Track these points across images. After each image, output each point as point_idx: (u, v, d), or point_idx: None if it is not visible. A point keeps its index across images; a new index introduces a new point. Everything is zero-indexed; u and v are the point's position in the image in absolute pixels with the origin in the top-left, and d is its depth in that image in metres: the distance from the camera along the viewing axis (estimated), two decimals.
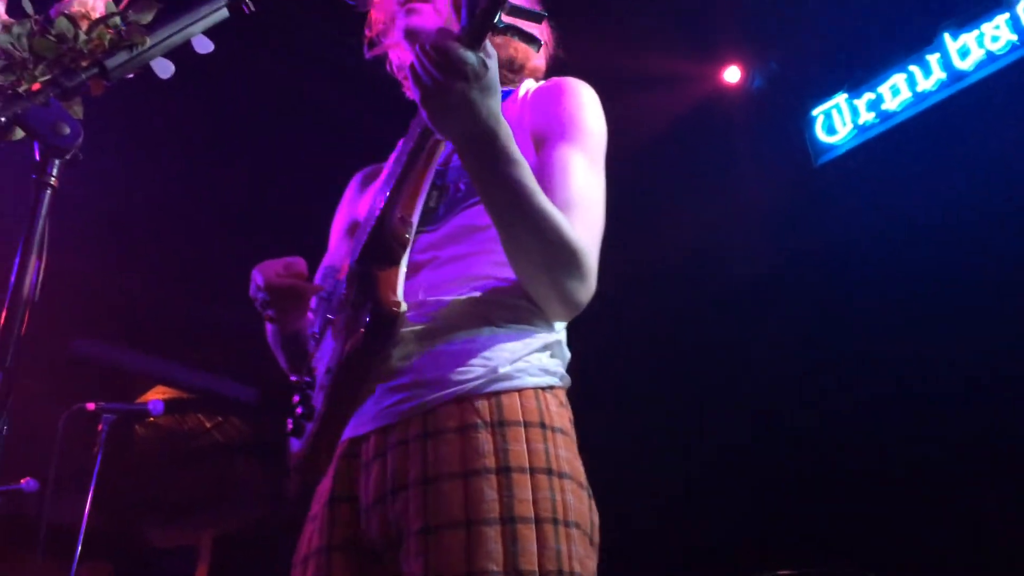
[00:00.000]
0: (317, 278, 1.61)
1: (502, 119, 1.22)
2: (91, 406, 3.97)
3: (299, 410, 1.41)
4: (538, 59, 1.70)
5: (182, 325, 6.54)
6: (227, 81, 4.53)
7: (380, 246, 1.31)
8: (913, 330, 4.46)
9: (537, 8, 1.38)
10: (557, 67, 1.72)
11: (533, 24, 1.26)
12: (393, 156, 1.56)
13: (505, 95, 1.59)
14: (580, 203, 1.36)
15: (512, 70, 1.65)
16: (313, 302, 1.56)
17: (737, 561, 4.55)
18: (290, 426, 1.45)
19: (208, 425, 7.84)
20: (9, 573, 6.45)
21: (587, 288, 1.33)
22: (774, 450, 4.87)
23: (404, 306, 1.28)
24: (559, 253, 1.27)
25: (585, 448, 1.34)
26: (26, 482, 4.15)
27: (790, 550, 4.41)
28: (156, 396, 6.89)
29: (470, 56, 1.16)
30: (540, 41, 1.25)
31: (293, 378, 1.52)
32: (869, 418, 4.55)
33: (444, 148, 1.41)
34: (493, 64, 1.19)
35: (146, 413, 4.26)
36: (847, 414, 4.64)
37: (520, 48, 1.64)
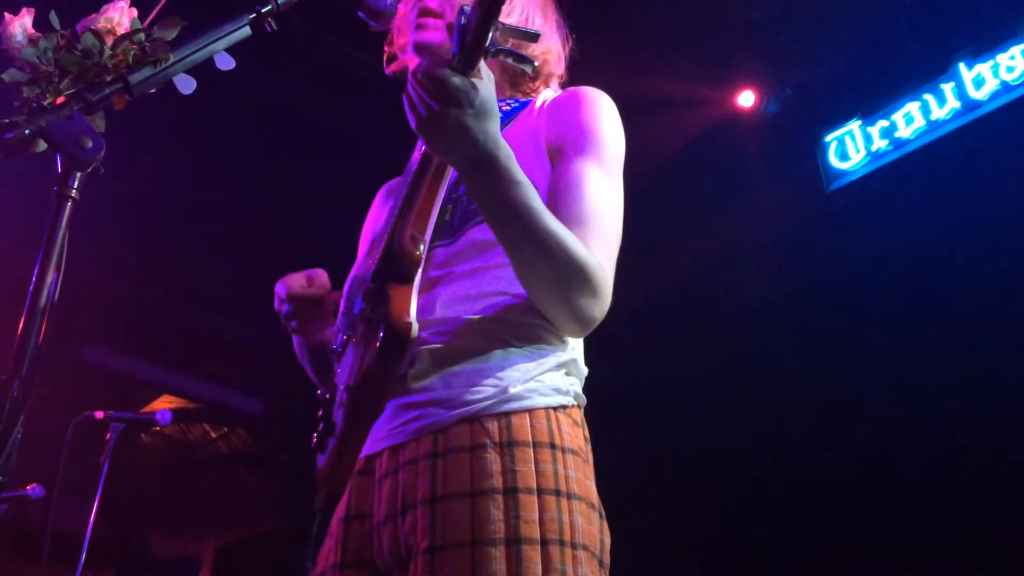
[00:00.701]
0: (345, 289, 1.61)
1: (501, 142, 1.20)
2: (100, 414, 3.97)
3: (321, 426, 1.42)
4: (556, 65, 1.69)
5: (191, 336, 6.56)
6: (246, 96, 4.57)
7: (391, 265, 1.31)
8: (926, 356, 4.45)
9: (532, 27, 1.37)
10: (576, 79, 1.70)
11: (529, 43, 1.26)
12: (409, 166, 1.56)
13: (522, 106, 1.60)
14: (593, 218, 1.34)
15: (528, 78, 1.64)
16: (338, 319, 1.56)
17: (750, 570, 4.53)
18: (314, 441, 1.46)
19: (214, 435, 7.85)
20: None
21: (600, 304, 1.32)
22: (784, 473, 4.85)
23: (415, 326, 1.27)
24: (568, 271, 1.26)
25: (598, 469, 1.34)
26: (32, 488, 4.15)
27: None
28: (163, 405, 6.88)
29: (462, 82, 1.14)
30: (533, 62, 1.25)
31: (319, 393, 1.53)
32: (883, 444, 4.52)
33: None
34: (487, 87, 1.17)
35: (154, 423, 4.26)
36: (860, 439, 4.62)
37: (533, 55, 1.64)
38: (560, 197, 1.36)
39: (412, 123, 1.20)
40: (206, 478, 8.09)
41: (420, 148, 1.38)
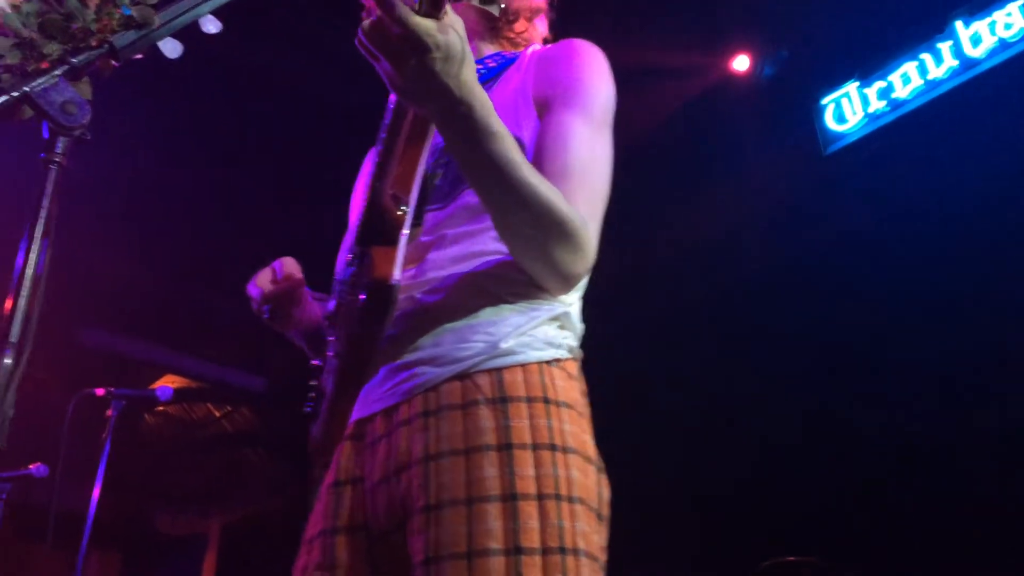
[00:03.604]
0: (339, 260, 1.60)
1: (476, 89, 1.15)
2: (100, 391, 3.98)
3: (313, 394, 1.42)
4: (540, 23, 1.66)
5: (192, 315, 6.57)
6: (239, 69, 4.54)
7: (373, 226, 1.27)
8: (924, 319, 4.44)
9: None
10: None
11: None
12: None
13: (508, 62, 1.57)
14: (577, 171, 1.31)
15: (506, 22, 1.60)
16: (332, 287, 1.55)
17: (744, 547, 4.55)
18: (308, 410, 1.45)
19: (217, 414, 7.88)
20: (18, 559, 6.49)
21: (583, 260, 1.29)
22: (781, 441, 4.86)
23: (397, 279, 1.22)
24: (546, 226, 1.23)
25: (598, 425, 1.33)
26: (36, 467, 4.17)
27: (784, 541, 4.41)
28: (166, 385, 6.91)
29: (429, 25, 1.07)
30: (500, 2, 1.21)
31: (313, 362, 1.52)
32: (880, 408, 4.53)
33: None
34: (457, 32, 1.11)
35: (155, 399, 4.27)
36: (858, 404, 4.63)
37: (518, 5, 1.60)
38: (545, 150, 1.33)
39: (378, 69, 1.15)
40: (210, 457, 8.12)
41: (391, 102, 1.32)
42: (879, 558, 4.27)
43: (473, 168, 1.22)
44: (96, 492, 3.84)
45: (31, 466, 4.18)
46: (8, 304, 1.02)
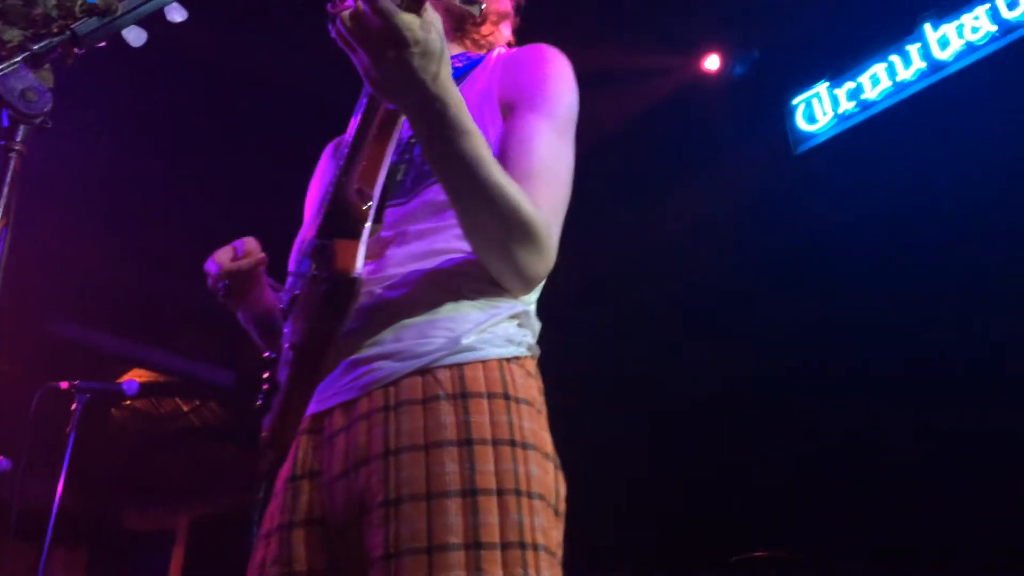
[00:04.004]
0: (293, 253, 1.59)
1: (451, 87, 1.16)
2: (64, 385, 3.94)
3: (266, 386, 1.41)
4: (505, 27, 1.67)
5: (161, 308, 6.50)
6: (208, 58, 4.49)
7: (337, 219, 1.27)
8: (893, 319, 4.50)
9: None
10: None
11: None
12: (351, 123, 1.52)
13: (474, 63, 1.57)
14: (541, 174, 1.32)
15: (474, 24, 1.61)
16: (287, 281, 1.54)
17: (713, 542, 4.59)
18: (260, 402, 1.44)
19: (185, 408, 7.82)
20: None
21: (544, 261, 1.31)
22: (750, 437, 4.90)
23: (359, 272, 1.23)
24: (512, 226, 1.24)
25: (555, 425, 1.34)
26: None
27: (769, 534, 4.45)
28: (133, 378, 6.85)
29: (411, 20, 1.08)
30: (480, 3, 1.22)
31: (265, 354, 1.51)
32: (851, 403, 4.57)
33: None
34: (435, 28, 1.12)
35: (121, 393, 4.23)
36: (828, 400, 4.67)
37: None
38: (510, 152, 1.34)
39: (355, 61, 1.15)
40: (178, 452, 8.05)
41: (364, 97, 1.33)
42: (850, 552, 4.31)
43: (443, 165, 1.22)
44: (60, 486, 3.80)
45: None
46: None
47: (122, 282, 6.07)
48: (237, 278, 1.53)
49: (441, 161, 1.22)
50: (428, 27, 1.10)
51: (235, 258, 1.55)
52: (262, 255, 1.57)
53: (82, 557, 8.73)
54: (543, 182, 1.32)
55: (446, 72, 1.15)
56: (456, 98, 1.17)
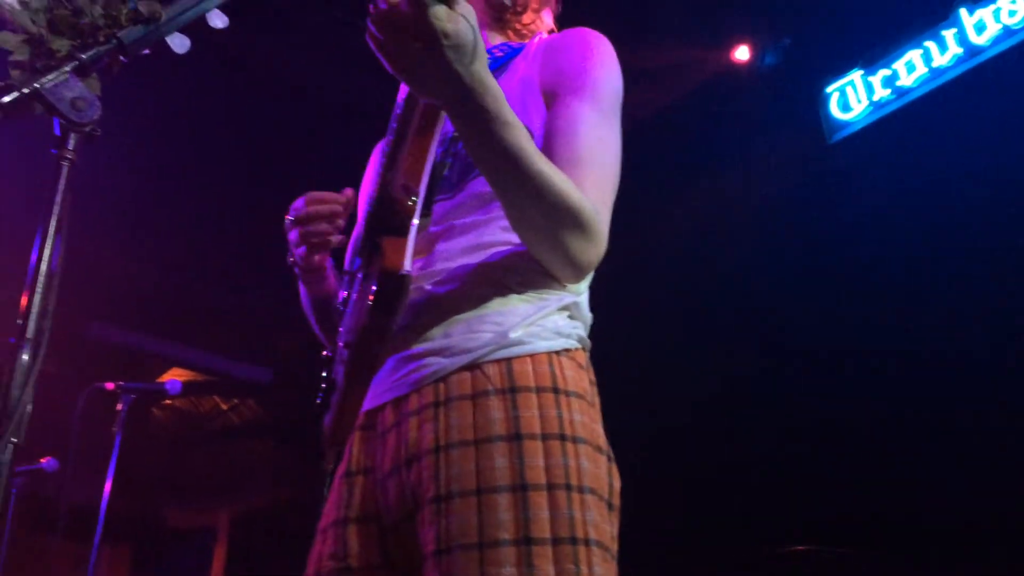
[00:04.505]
0: (347, 252, 1.59)
1: (488, 80, 1.14)
2: (110, 386, 4.00)
3: (324, 385, 1.42)
4: (546, 15, 1.67)
5: (198, 308, 6.58)
6: (246, 64, 4.53)
7: (384, 216, 1.28)
8: (932, 306, 4.44)
9: None
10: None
11: None
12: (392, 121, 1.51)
13: (515, 52, 1.57)
14: (588, 160, 1.31)
15: (513, 13, 1.60)
16: (343, 280, 1.54)
17: (753, 535, 4.57)
18: (319, 401, 1.46)
19: (224, 407, 7.90)
20: (31, 551, 6.53)
21: (595, 248, 1.29)
22: (790, 430, 4.86)
23: (407, 270, 1.22)
24: (561, 215, 1.23)
25: (607, 414, 1.34)
26: (47, 461, 4.20)
27: (807, 526, 4.42)
28: (173, 378, 6.93)
29: (443, 12, 1.07)
30: None
31: (323, 353, 1.52)
32: (887, 396, 4.53)
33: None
34: (468, 20, 1.10)
35: (164, 393, 4.30)
36: (864, 394, 4.63)
37: None
38: (555, 139, 1.34)
39: (387, 64, 1.14)
40: (219, 449, 8.15)
41: (402, 93, 1.32)
42: (891, 545, 4.27)
43: (485, 159, 1.22)
44: (108, 485, 3.86)
45: (42, 460, 4.21)
46: (24, 301, 1.04)
47: (161, 284, 6.15)
48: (313, 216, 1.46)
49: (483, 155, 1.22)
50: (457, 19, 1.09)
51: (318, 200, 1.47)
52: (349, 201, 1.48)
53: (126, 554, 8.87)
54: (590, 168, 1.30)
55: (481, 65, 1.13)
56: (494, 90, 1.15)
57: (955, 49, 4.74)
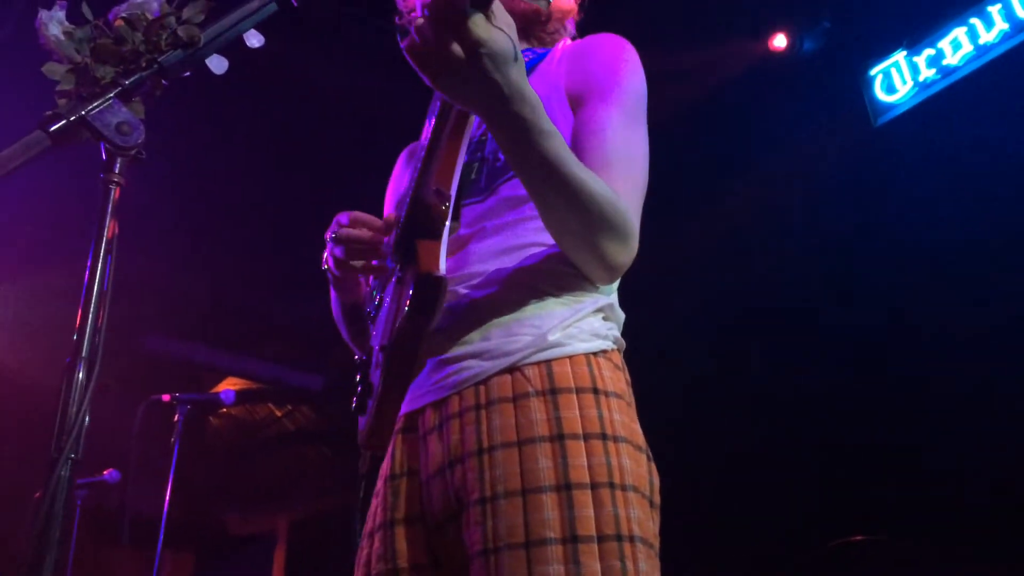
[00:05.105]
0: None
1: (527, 89, 1.15)
2: (167, 397, 4.09)
3: (360, 388, 1.44)
4: (570, 23, 1.68)
5: (250, 318, 6.69)
6: (291, 78, 4.61)
7: (418, 220, 1.30)
8: (984, 286, 4.34)
9: None
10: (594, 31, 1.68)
11: None
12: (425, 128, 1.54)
13: (540, 57, 1.58)
14: (617, 163, 1.33)
15: (541, 22, 1.61)
16: (371, 282, 1.57)
17: (807, 527, 4.52)
18: (355, 404, 1.48)
19: (279, 414, 8.01)
20: (97, 561, 6.70)
21: (628, 249, 1.31)
22: (842, 414, 4.79)
23: (443, 272, 1.24)
24: (597, 219, 1.25)
25: (644, 415, 1.34)
26: (109, 473, 4.31)
27: (859, 517, 4.36)
28: (227, 387, 7.06)
29: (480, 22, 1.07)
30: None
31: (356, 357, 1.54)
32: (938, 385, 4.44)
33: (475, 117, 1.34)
34: (505, 29, 1.10)
35: (219, 403, 4.38)
36: (914, 381, 4.55)
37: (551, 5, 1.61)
38: (584, 143, 1.35)
39: (425, 76, 1.15)
40: (274, 456, 8.27)
41: (437, 100, 1.34)
42: (950, 534, 4.19)
43: (524, 168, 1.23)
44: (168, 494, 3.95)
45: (104, 472, 4.32)
46: (79, 319, 1.07)
47: (213, 296, 6.27)
48: (352, 243, 1.48)
49: (521, 164, 1.23)
50: (489, 29, 1.09)
51: (363, 223, 1.49)
52: (378, 236, 1.48)
53: (189, 561, 9.05)
54: (620, 170, 1.32)
55: (519, 74, 1.13)
56: (532, 100, 1.16)
57: (1001, 25, 4.62)
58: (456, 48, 1.09)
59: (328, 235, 1.51)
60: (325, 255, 1.54)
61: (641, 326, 1.47)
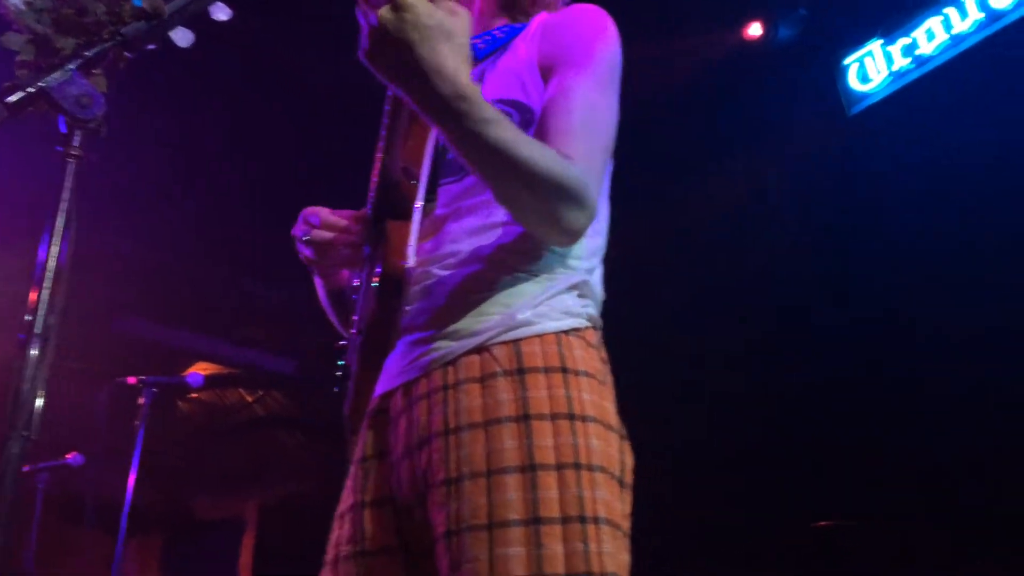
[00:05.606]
0: None
1: (458, 74, 1.13)
2: (132, 380, 4.04)
3: (340, 373, 1.43)
4: None
5: (221, 301, 6.63)
6: (266, 52, 4.54)
7: (388, 200, 1.28)
8: (956, 277, 4.38)
9: None
10: None
11: None
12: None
13: (515, 31, 1.56)
14: (579, 129, 1.30)
15: (522, 1, 1.60)
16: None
17: (776, 513, 4.55)
18: (336, 389, 1.46)
19: (249, 399, 7.97)
20: (63, 545, 6.63)
21: (586, 214, 1.27)
22: (824, 405, 4.83)
23: (411, 253, 1.24)
24: (549, 192, 1.22)
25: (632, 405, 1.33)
26: (73, 456, 4.26)
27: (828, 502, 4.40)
28: (198, 371, 6.99)
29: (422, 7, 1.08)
30: None
31: (339, 343, 1.53)
32: (907, 373, 4.49)
33: None
34: (445, 7, 1.11)
35: (186, 386, 4.33)
36: (886, 369, 4.59)
37: None
38: (549, 111, 1.34)
39: (361, 44, 1.14)
40: (245, 441, 8.23)
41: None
42: (932, 518, 4.24)
43: (465, 155, 1.21)
44: (132, 479, 3.90)
45: (68, 456, 4.26)
46: (33, 296, 1.04)
47: (183, 277, 6.20)
48: (320, 246, 1.46)
49: (467, 155, 1.21)
50: (430, 5, 1.09)
51: (333, 226, 1.46)
52: (349, 237, 1.46)
53: (156, 545, 8.99)
54: (582, 138, 1.29)
55: (450, 55, 1.12)
56: (465, 90, 1.13)
57: (976, 15, 4.65)
58: (385, 12, 1.09)
59: (296, 233, 1.49)
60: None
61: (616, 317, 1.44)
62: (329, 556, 1.35)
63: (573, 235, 1.31)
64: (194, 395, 7.53)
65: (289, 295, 5.93)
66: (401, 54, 1.11)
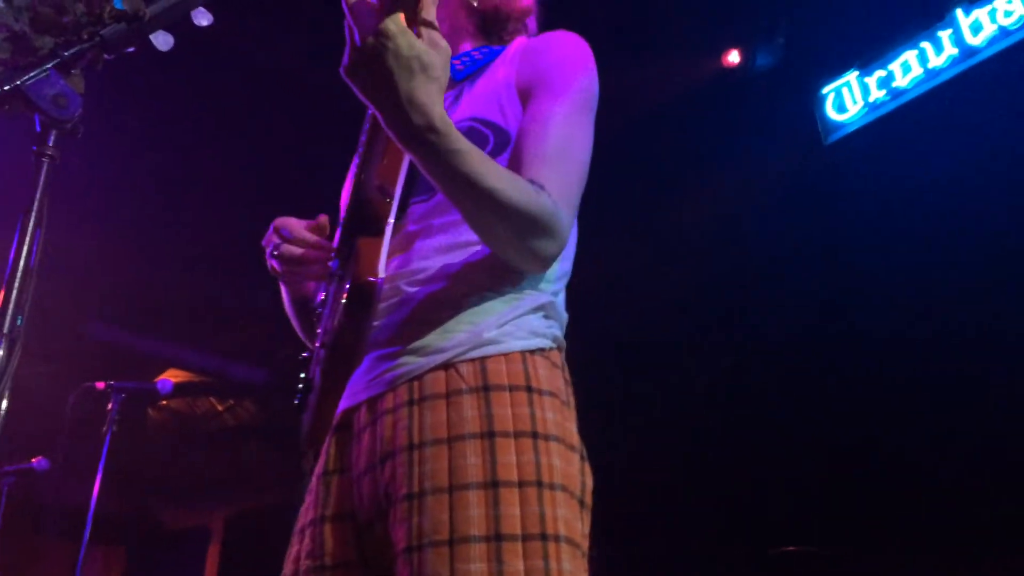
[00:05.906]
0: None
1: (432, 106, 1.13)
2: (100, 385, 3.99)
3: (301, 385, 1.42)
4: (529, 22, 1.67)
5: (193, 308, 6.57)
6: (238, 57, 4.53)
7: (359, 217, 1.28)
8: (928, 305, 4.44)
9: None
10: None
11: None
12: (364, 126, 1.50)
13: (494, 53, 1.57)
14: (554, 157, 1.31)
15: (495, 21, 1.62)
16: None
17: (746, 536, 4.56)
18: (297, 402, 1.46)
19: (220, 408, 7.89)
20: (24, 552, 6.52)
21: (556, 242, 1.28)
22: (785, 432, 4.86)
23: (381, 271, 1.23)
24: (520, 223, 1.22)
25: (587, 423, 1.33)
26: (38, 461, 4.19)
27: (798, 526, 4.42)
28: (168, 378, 6.92)
29: (395, 15, 1.08)
30: None
31: (303, 355, 1.52)
32: (878, 398, 4.53)
33: None
34: (427, 40, 1.11)
35: (156, 393, 4.28)
36: (857, 393, 4.63)
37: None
38: (524, 137, 1.35)
39: (343, 61, 1.15)
40: (214, 451, 8.13)
41: None
42: (885, 546, 4.27)
43: (444, 186, 1.21)
44: (97, 486, 3.85)
45: (33, 460, 4.20)
46: (0, 296, 1.03)
47: (155, 283, 6.14)
48: (289, 261, 1.46)
49: (440, 183, 1.21)
50: (403, 29, 1.09)
51: (303, 242, 1.45)
52: (319, 253, 1.45)
53: (120, 555, 8.87)
54: (555, 165, 1.30)
55: (424, 89, 1.12)
56: (438, 123, 1.14)
57: (951, 50, 4.74)
58: (369, 37, 1.10)
59: (266, 244, 1.49)
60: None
61: (575, 335, 1.45)
62: (287, 571, 1.34)
63: (544, 263, 1.32)
64: (164, 403, 7.45)
65: (263, 304, 5.89)
66: (377, 80, 1.12)
